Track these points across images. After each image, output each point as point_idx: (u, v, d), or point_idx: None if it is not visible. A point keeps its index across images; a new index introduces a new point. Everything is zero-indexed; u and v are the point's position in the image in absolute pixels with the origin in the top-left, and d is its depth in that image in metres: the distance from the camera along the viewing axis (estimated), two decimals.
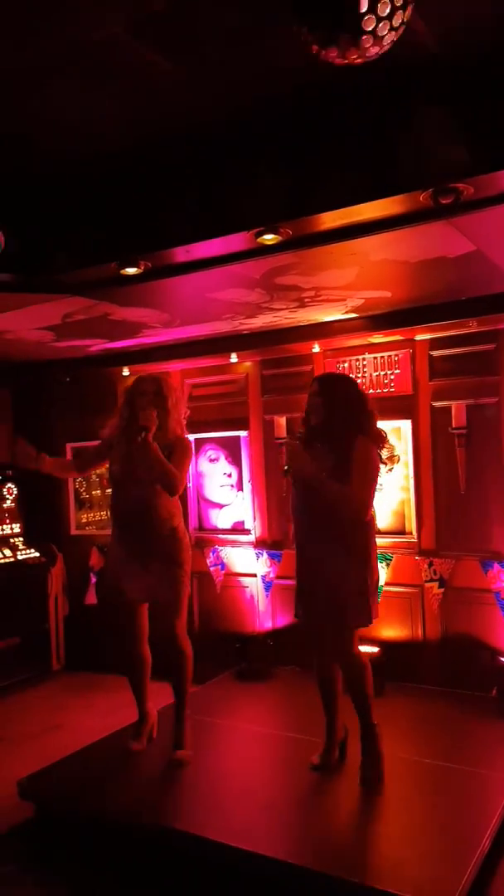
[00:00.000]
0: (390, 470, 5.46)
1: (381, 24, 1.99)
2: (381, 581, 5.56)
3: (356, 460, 3.79)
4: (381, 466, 3.91)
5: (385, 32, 2.01)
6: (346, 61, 2.06)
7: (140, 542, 4.26)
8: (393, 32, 2.03)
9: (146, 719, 4.55)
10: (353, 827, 3.63)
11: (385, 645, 5.44)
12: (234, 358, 6.09)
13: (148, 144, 3.30)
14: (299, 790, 3.91)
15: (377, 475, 3.88)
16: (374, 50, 2.04)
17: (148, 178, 3.57)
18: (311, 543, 3.88)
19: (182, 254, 3.71)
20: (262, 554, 6.14)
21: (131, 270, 3.82)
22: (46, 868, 3.72)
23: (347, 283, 4.36)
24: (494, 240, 3.70)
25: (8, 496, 6.84)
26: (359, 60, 2.08)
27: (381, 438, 3.96)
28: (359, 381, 5.70)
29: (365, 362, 5.76)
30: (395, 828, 3.52)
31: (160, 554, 4.23)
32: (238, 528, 6.34)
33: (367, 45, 1.99)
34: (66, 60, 2.66)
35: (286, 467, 3.79)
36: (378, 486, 3.92)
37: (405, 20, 2.04)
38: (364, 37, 1.96)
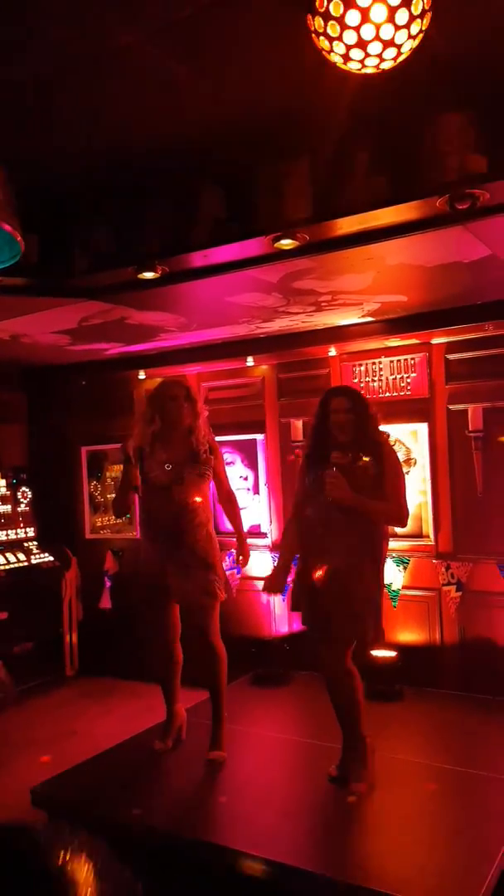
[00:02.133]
0: (407, 473, 5.45)
1: (398, 33, 1.99)
2: (398, 585, 5.56)
3: (390, 471, 3.81)
4: None
5: (403, 41, 2.00)
6: (364, 70, 2.06)
7: (176, 545, 4.27)
8: (411, 41, 2.03)
9: (174, 719, 4.57)
10: (373, 834, 3.61)
11: (403, 649, 5.42)
12: (250, 361, 6.10)
13: (166, 149, 3.31)
14: (317, 797, 3.89)
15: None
16: (392, 61, 2.03)
17: (165, 183, 3.57)
18: (335, 554, 3.83)
19: (199, 258, 3.72)
20: (277, 557, 6.11)
21: (149, 275, 3.83)
22: None
23: (364, 287, 4.36)
24: None
25: (22, 500, 6.84)
26: (375, 71, 2.08)
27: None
28: (375, 384, 5.73)
29: (381, 366, 5.75)
30: (415, 835, 3.50)
31: (194, 558, 4.27)
32: (254, 532, 6.32)
33: (386, 56, 1.99)
34: (86, 66, 2.66)
35: (329, 498, 3.75)
36: None
37: (423, 29, 2.03)
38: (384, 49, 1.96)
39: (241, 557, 4.71)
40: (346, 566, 3.77)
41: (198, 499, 4.30)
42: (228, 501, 4.68)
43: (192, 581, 4.28)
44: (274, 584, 4.16)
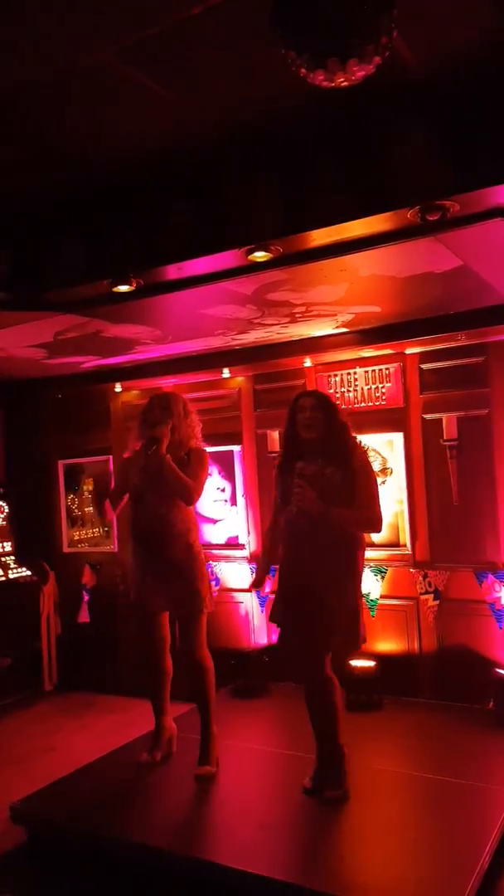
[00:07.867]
0: (383, 482, 5.48)
1: (367, 46, 2.01)
2: (376, 594, 5.58)
3: (362, 478, 3.80)
4: None
5: (371, 54, 2.03)
6: (334, 84, 2.08)
7: (157, 556, 4.27)
8: (378, 55, 2.05)
9: (163, 732, 4.51)
10: (353, 845, 3.58)
11: (381, 658, 5.43)
12: (226, 373, 6.11)
13: (139, 163, 3.32)
14: (298, 809, 3.87)
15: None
16: (361, 73, 2.06)
17: (140, 195, 3.58)
18: (310, 565, 3.83)
19: (174, 271, 3.73)
20: (256, 569, 6.11)
21: (123, 288, 3.84)
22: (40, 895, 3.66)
23: (338, 298, 4.38)
24: (480, 255, 3.74)
25: None
26: (345, 83, 2.11)
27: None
28: (350, 394, 5.76)
29: (356, 376, 5.78)
30: (394, 845, 3.49)
31: (176, 571, 4.25)
32: (232, 543, 6.33)
33: (354, 68, 2.01)
34: (58, 83, 2.68)
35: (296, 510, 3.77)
36: None
37: (390, 42, 2.06)
38: (351, 59, 1.98)
39: None
40: (322, 576, 3.77)
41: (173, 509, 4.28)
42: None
43: (170, 593, 4.27)
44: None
